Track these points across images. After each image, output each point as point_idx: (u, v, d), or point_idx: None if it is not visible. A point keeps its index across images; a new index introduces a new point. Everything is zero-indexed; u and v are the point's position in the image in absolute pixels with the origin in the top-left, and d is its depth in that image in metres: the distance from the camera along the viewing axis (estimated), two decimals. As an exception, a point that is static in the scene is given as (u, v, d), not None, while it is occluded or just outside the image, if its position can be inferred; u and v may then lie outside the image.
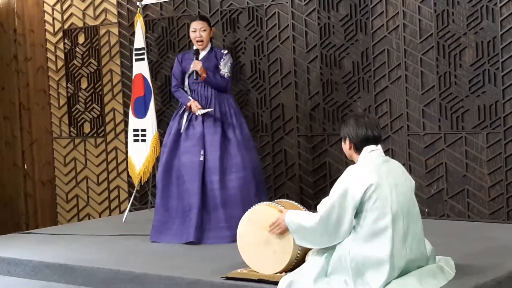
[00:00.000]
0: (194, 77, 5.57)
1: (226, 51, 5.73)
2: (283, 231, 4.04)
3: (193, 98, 5.61)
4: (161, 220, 5.56)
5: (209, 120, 5.56)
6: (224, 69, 5.65)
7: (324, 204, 3.83)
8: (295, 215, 3.95)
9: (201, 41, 5.63)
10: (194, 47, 5.72)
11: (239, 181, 5.48)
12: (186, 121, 5.60)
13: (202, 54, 5.67)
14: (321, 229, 3.78)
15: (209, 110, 5.54)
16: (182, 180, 5.52)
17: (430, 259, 3.96)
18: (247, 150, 5.62)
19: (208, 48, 5.70)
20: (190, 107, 5.58)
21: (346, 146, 3.95)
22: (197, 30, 5.63)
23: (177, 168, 5.56)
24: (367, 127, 3.87)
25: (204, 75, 5.52)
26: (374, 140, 3.88)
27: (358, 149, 3.89)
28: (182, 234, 5.42)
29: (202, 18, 5.77)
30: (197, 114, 5.53)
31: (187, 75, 5.68)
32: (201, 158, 5.49)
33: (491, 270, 4.13)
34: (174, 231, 5.47)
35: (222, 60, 5.66)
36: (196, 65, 5.53)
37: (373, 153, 3.86)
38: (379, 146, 3.92)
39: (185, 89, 5.70)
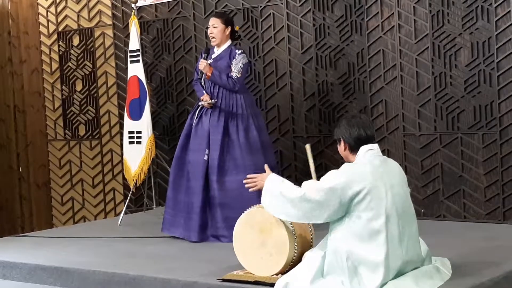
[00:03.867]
0: (199, 76, 5.59)
1: (240, 51, 5.62)
2: (257, 189, 4.04)
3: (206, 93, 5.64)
4: (171, 212, 5.63)
5: (213, 119, 5.55)
6: (234, 69, 5.56)
7: (312, 185, 3.81)
8: (277, 182, 3.93)
9: (213, 37, 5.62)
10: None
11: (238, 183, 5.34)
12: (197, 117, 5.61)
13: (218, 51, 5.63)
14: (298, 203, 3.77)
15: (213, 101, 5.52)
16: (188, 176, 5.57)
17: (425, 260, 3.96)
18: (251, 153, 5.53)
19: (225, 46, 5.64)
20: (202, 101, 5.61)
21: (341, 147, 3.94)
22: (210, 27, 5.64)
23: (187, 163, 5.60)
24: (360, 126, 3.86)
25: (209, 74, 5.51)
26: (367, 140, 3.85)
27: (354, 149, 3.87)
28: (188, 231, 5.49)
29: (216, 14, 5.76)
30: (204, 105, 5.54)
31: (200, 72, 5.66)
32: (205, 158, 5.50)
33: (487, 271, 4.12)
34: (182, 225, 5.55)
35: (234, 59, 5.59)
36: (200, 64, 5.53)
37: (370, 153, 3.84)
38: (376, 145, 3.89)
39: (202, 84, 5.70)
